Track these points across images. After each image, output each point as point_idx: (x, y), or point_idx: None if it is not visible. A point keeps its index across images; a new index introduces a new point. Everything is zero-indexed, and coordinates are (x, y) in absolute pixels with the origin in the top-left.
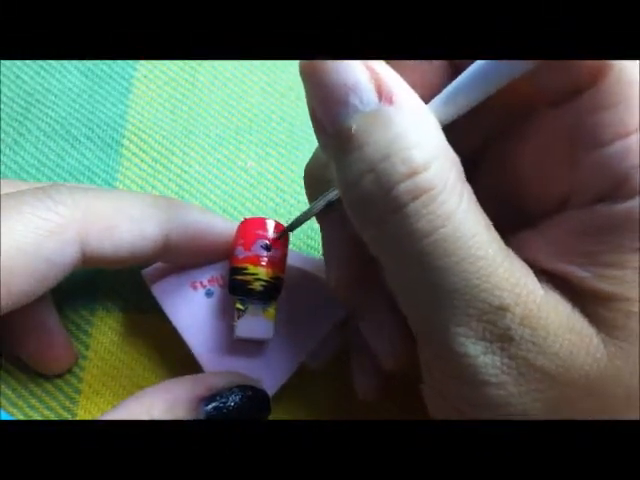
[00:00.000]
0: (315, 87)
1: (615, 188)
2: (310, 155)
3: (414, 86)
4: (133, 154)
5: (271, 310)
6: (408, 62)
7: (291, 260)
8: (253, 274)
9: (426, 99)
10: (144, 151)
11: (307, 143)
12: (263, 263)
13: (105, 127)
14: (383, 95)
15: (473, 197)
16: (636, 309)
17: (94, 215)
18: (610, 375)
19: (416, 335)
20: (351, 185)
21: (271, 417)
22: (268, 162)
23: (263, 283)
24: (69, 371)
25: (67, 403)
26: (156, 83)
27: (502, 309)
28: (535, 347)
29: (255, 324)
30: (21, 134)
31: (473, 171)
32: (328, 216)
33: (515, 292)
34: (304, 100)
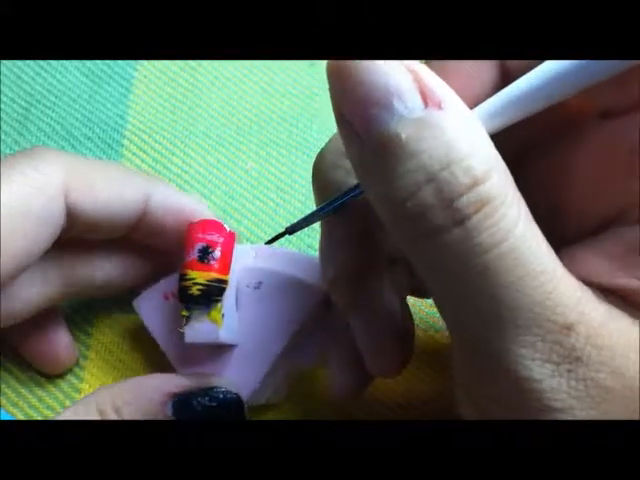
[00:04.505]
0: (349, 89)
1: None
2: (310, 155)
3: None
4: (133, 154)
5: (214, 313)
6: (450, 68)
7: (265, 257)
8: (191, 279)
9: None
10: (144, 151)
11: (307, 143)
12: (200, 266)
13: (105, 127)
14: (429, 100)
15: (528, 210)
16: None
17: (75, 173)
18: None
19: (457, 356)
20: (404, 197)
21: (271, 417)
22: (268, 162)
23: (200, 287)
24: (69, 371)
25: (67, 403)
26: (156, 83)
27: (567, 328)
28: (604, 367)
29: (201, 329)
30: (21, 134)
31: None
32: (330, 217)
33: (578, 310)
34: (304, 100)
